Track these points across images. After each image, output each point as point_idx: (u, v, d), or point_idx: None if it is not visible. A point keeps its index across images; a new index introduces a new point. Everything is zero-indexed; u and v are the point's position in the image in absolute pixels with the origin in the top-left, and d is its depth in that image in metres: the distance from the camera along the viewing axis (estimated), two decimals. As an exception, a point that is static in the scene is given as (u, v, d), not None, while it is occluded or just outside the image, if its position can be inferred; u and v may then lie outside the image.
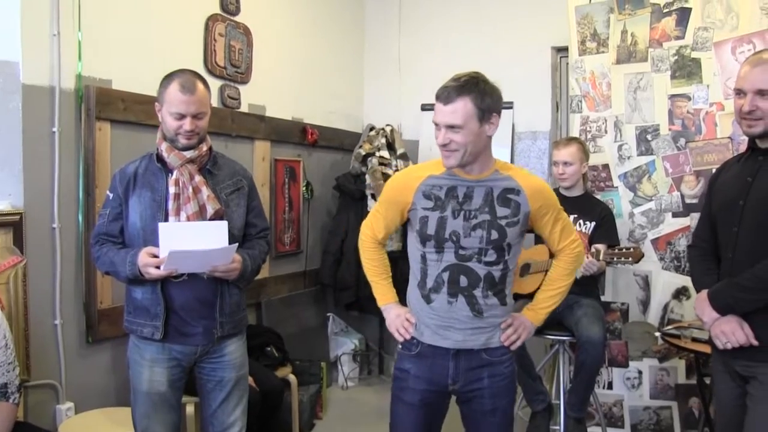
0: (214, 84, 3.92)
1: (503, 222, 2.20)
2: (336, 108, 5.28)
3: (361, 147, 4.93)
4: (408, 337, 2.30)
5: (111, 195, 2.55)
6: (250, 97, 4.30)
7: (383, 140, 4.93)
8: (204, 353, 2.57)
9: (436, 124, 2.17)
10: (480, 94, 2.12)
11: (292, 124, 4.70)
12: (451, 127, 2.13)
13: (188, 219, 2.46)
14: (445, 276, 2.21)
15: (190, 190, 2.47)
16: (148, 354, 2.51)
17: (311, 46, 4.97)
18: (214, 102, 3.88)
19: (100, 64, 3.25)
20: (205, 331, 2.53)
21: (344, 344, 5.15)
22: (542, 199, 2.27)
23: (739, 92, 2.30)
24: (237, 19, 4.14)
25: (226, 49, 4.04)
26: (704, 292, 2.36)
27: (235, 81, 4.16)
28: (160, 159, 2.53)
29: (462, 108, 2.11)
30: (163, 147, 2.51)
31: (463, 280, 2.20)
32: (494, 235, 2.19)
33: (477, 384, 2.25)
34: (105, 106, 3.22)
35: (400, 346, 2.36)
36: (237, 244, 2.52)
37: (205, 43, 3.91)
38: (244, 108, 4.24)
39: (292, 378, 3.95)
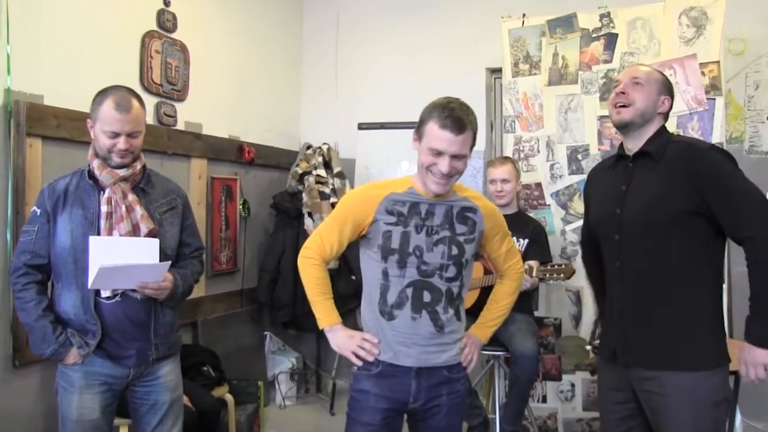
0: (150, 101, 3.88)
1: (461, 238, 2.24)
2: (273, 126, 5.27)
3: (297, 165, 4.93)
4: (372, 359, 2.25)
5: (38, 211, 2.44)
6: (187, 114, 4.26)
7: (320, 159, 4.93)
8: (137, 376, 2.52)
9: (439, 152, 2.13)
10: (474, 123, 2.18)
11: (228, 142, 4.68)
12: (456, 156, 2.14)
13: (121, 238, 2.41)
14: (409, 292, 2.21)
15: (123, 209, 2.42)
16: (77, 380, 2.43)
17: (248, 64, 4.97)
18: (150, 119, 3.85)
19: (31, 79, 3.18)
20: (139, 353, 2.48)
21: (281, 363, 5.11)
22: (494, 219, 2.36)
23: (616, 84, 2.41)
24: (174, 36, 4.12)
25: (162, 66, 4.01)
26: (746, 345, 2.15)
27: (171, 98, 4.12)
28: (91, 175, 2.46)
29: (469, 138, 2.15)
30: (95, 164, 2.44)
31: (427, 296, 2.21)
32: (454, 250, 2.22)
33: (437, 401, 2.25)
34: (36, 122, 3.15)
35: (356, 368, 2.30)
36: (170, 262, 2.48)
37: (141, 59, 3.87)
38: (180, 126, 4.20)
39: (228, 397, 3.90)
